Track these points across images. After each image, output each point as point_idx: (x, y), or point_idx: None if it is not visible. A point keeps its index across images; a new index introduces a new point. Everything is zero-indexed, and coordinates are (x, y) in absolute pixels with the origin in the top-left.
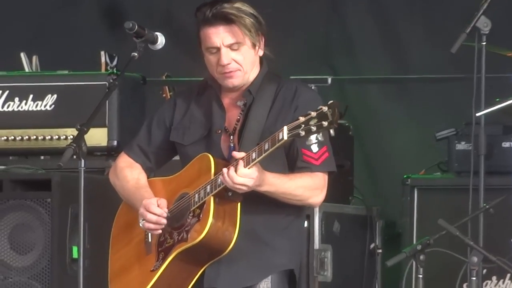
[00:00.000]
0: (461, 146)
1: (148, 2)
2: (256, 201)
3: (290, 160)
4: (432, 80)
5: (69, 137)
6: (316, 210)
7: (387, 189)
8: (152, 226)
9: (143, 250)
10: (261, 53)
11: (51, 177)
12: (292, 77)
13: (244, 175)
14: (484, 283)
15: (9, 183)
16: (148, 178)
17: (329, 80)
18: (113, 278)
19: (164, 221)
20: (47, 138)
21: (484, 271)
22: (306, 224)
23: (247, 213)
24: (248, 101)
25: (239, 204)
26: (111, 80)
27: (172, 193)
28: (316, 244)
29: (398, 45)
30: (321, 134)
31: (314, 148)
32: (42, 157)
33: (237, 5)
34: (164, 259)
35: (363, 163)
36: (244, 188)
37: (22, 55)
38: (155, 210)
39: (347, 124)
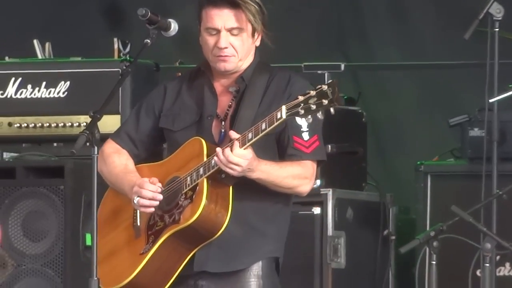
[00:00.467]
0: (474, 132)
1: None
2: (246, 187)
3: (281, 147)
4: (445, 66)
5: (82, 124)
6: (330, 196)
7: (401, 175)
8: (147, 202)
9: (132, 234)
10: (258, 43)
11: (64, 164)
12: (305, 63)
13: (239, 156)
14: (498, 270)
15: (22, 170)
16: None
17: (342, 67)
18: (101, 262)
19: (160, 196)
20: (60, 125)
21: (498, 257)
22: (319, 211)
23: (237, 199)
24: (241, 87)
25: (231, 188)
26: (124, 67)
27: (162, 177)
28: (330, 230)
29: (411, 31)
30: (316, 117)
31: (305, 136)
32: (55, 144)
33: None
34: (154, 242)
35: (376, 149)
36: (238, 168)
37: (35, 42)
38: (149, 187)
39: (360, 111)
